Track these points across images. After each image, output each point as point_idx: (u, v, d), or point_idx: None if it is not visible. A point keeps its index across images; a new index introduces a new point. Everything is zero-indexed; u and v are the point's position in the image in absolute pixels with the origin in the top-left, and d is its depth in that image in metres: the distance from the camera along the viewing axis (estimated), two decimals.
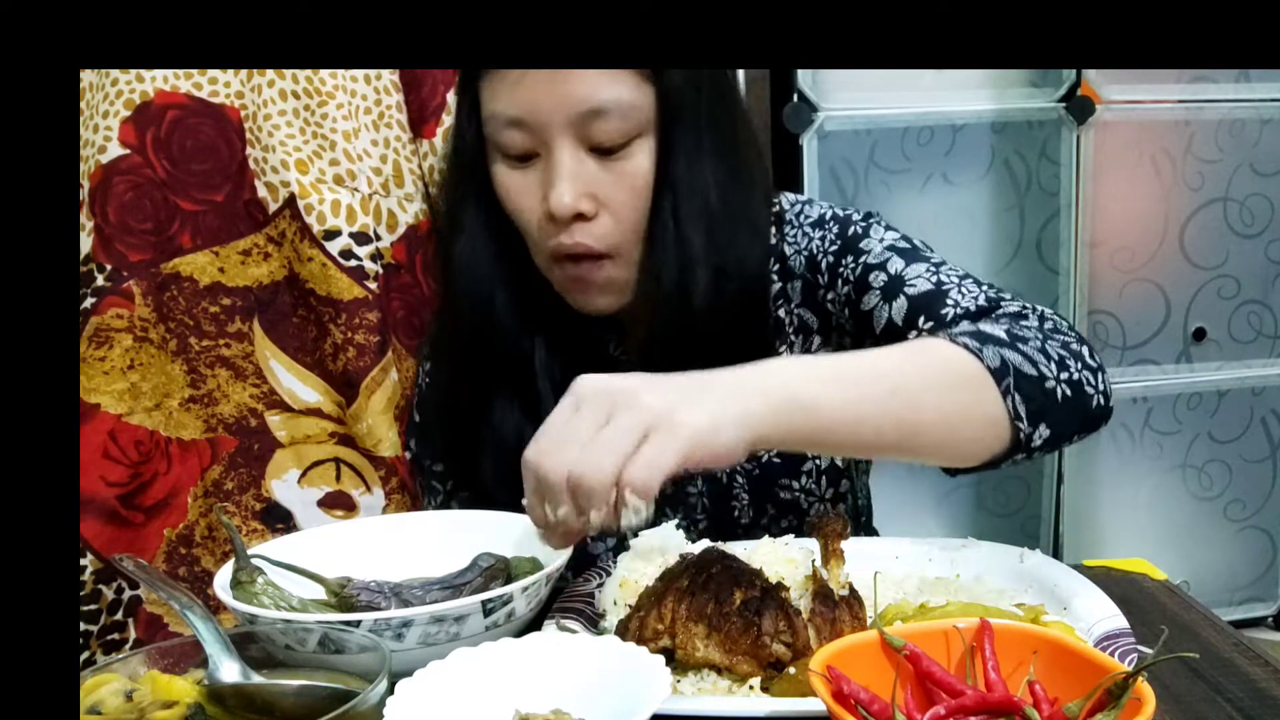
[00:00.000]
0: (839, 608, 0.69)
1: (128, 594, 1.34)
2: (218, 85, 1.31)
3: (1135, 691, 0.52)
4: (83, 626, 1.30)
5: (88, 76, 1.29)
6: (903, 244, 0.94)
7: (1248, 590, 1.90)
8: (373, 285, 1.34)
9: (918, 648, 0.58)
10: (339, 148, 1.32)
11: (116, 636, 1.33)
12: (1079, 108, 1.67)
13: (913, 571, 0.84)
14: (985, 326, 0.80)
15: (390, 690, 0.57)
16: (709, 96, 0.91)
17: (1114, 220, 1.72)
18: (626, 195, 0.89)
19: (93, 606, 1.31)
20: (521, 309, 0.97)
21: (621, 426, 0.62)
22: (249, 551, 0.77)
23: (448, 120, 1.39)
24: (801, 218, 0.99)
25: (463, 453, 1.03)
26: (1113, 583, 0.83)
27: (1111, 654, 0.66)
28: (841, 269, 0.95)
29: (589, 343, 1.00)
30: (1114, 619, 0.72)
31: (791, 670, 0.67)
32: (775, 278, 0.99)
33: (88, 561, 1.29)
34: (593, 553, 1.04)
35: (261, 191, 1.32)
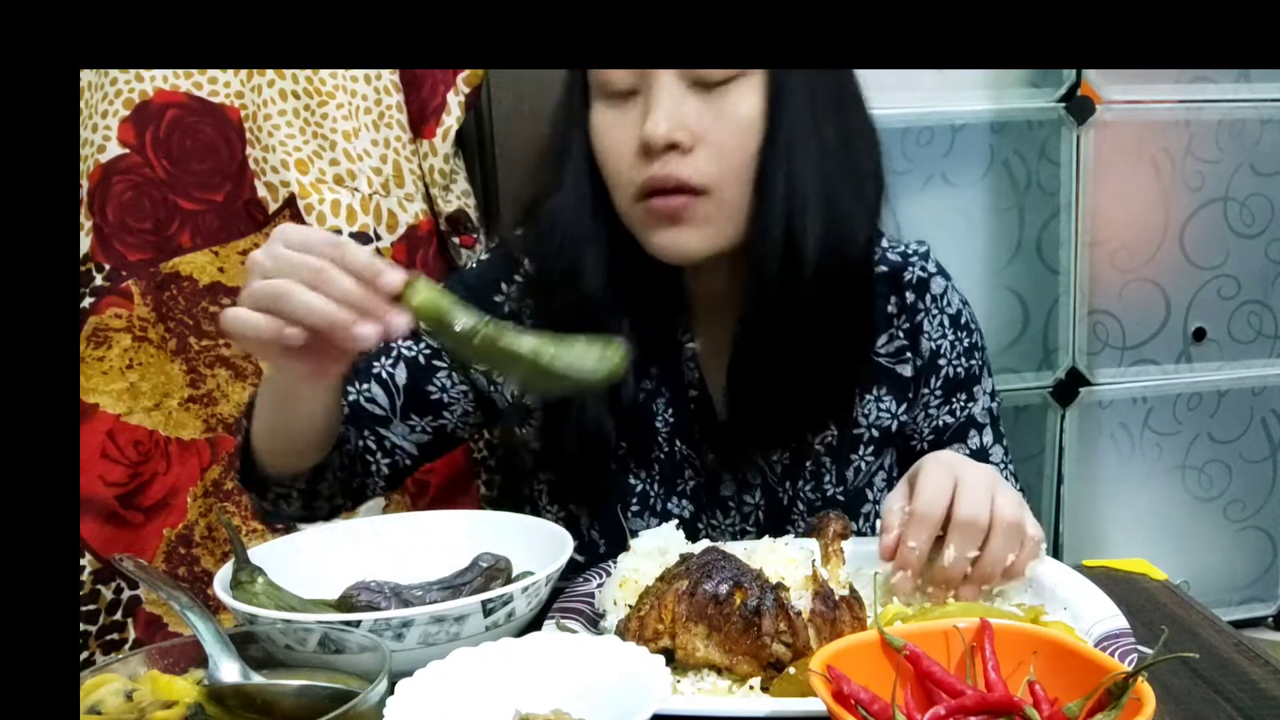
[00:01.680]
0: (839, 608, 0.69)
1: (127, 594, 1.34)
2: (218, 85, 1.31)
3: (1135, 691, 0.52)
4: (82, 626, 1.30)
5: (87, 76, 1.29)
6: (994, 408, 1.04)
7: (1248, 590, 1.90)
8: None
9: (918, 648, 0.58)
10: (339, 148, 1.32)
11: (116, 636, 1.33)
12: (1079, 108, 1.67)
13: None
14: None
15: (390, 690, 0.57)
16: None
17: (1114, 220, 1.72)
18: (726, 132, 0.87)
19: (92, 606, 1.31)
20: (609, 277, 0.94)
21: (1013, 496, 0.79)
22: (248, 552, 0.77)
23: (448, 120, 1.39)
24: (943, 301, 1.01)
25: (546, 419, 1.00)
26: (1113, 583, 0.83)
27: (1111, 654, 0.66)
28: (955, 400, 1.02)
29: (659, 327, 0.98)
30: (1114, 619, 0.72)
31: (791, 670, 0.67)
32: (902, 335, 1.00)
33: (87, 561, 1.29)
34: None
35: (261, 191, 1.32)
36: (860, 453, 1.01)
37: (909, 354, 1.00)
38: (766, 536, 0.81)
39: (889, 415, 1.01)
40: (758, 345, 0.94)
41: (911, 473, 0.81)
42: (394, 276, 0.70)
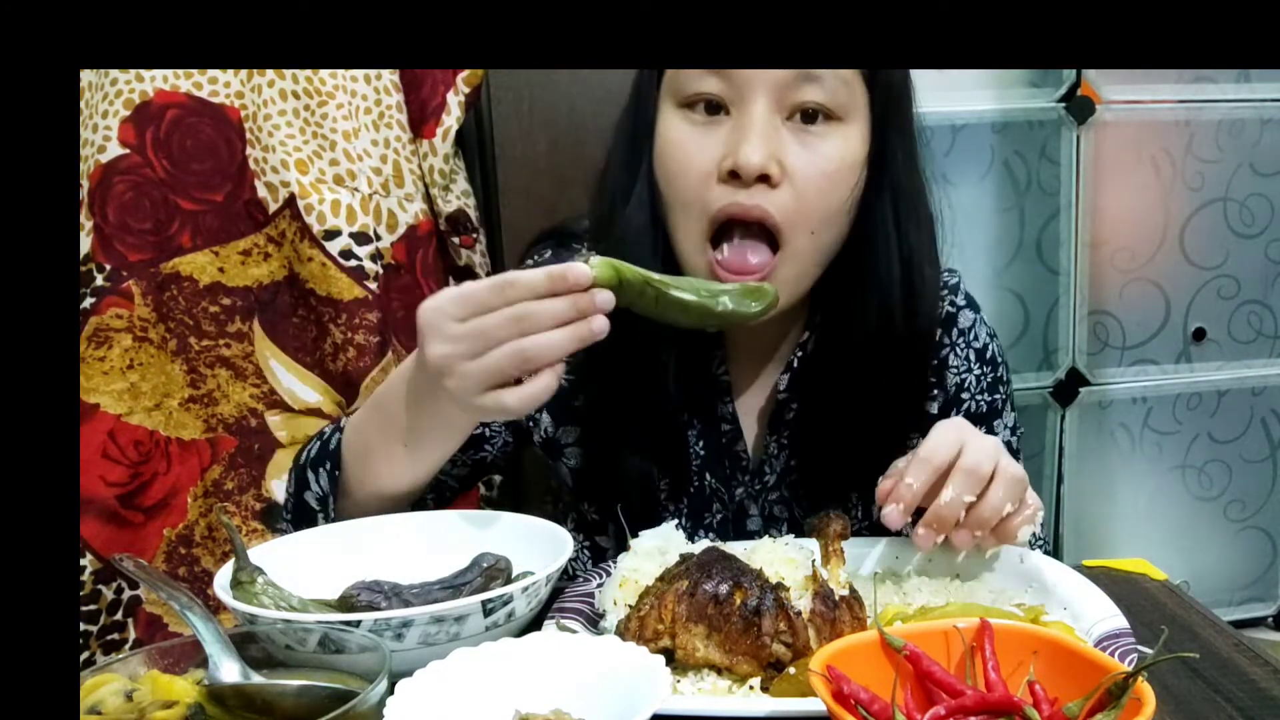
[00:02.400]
0: (839, 608, 0.69)
1: (127, 594, 1.34)
2: (218, 85, 1.31)
3: (1135, 691, 0.52)
4: (82, 626, 1.30)
5: (87, 76, 1.29)
6: (1015, 441, 1.02)
7: (1248, 590, 1.90)
8: (373, 285, 1.34)
9: (918, 648, 0.58)
10: (339, 148, 1.32)
11: (116, 636, 1.33)
12: (1079, 108, 1.67)
13: (913, 571, 0.84)
14: None
15: (390, 690, 0.57)
16: (912, 105, 0.92)
17: (1114, 220, 1.72)
18: (815, 173, 0.85)
19: (92, 607, 1.31)
20: (691, 344, 0.94)
21: (1017, 466, 0.81)
22: (248, 552, 0.77)
23: (448, 120, 1.39)
24: (971, 335, 1.01)
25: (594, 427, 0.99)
26: (1113, 583, 0.83)
27: (1111, 654, 0.66)
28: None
29: (696, 358, 0.97)
30: (1114, 619, 0.72)
31: (791, 670, 0.67)
32: (929, 372, 0.99)
33: (87, 562, 1.29)
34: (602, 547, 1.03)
35: (261, 191, 1.32)
36: None
37: (935, 390, 0.99)
38: (766, 537, 0.81)
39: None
40: (817, 401, 0.95)
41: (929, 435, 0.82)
42: (580, 270, 0.74)
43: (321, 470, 0.90)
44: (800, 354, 0.96)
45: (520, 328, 0.73)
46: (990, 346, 1.01)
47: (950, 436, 0.79)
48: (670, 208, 0.89)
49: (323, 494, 0.91)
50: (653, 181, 0.90)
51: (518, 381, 0.76)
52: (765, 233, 0.86)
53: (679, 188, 0.87)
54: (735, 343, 0.98)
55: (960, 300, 1.01)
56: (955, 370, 0.99)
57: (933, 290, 0.93)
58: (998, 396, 1.01)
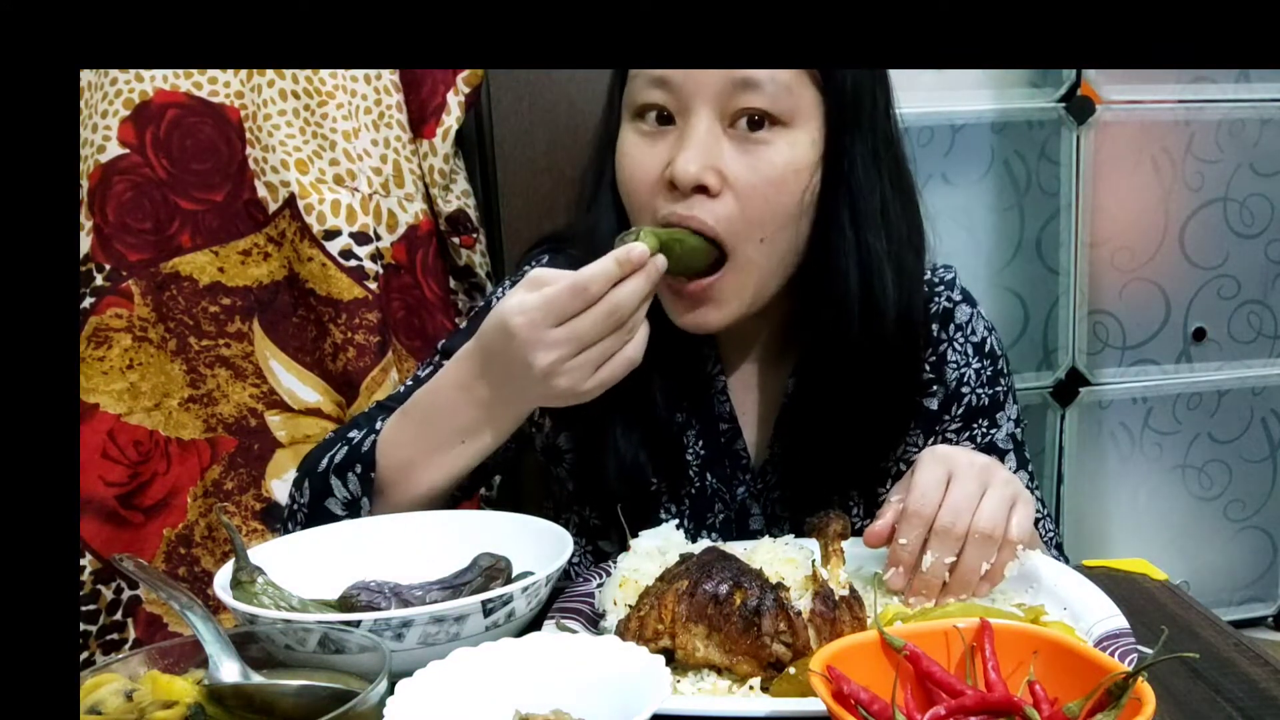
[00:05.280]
0: (839, 608, 0.69)
1: (127, 594, 1.34)
2: (218, 85, 1.31)
3: (1135, 691, 0.52)
4: (82, 626, 1.30)
5: (87, 76, 1.29)
6: (1018, 434, 1.03)
7: (1248, 590, 1.90)
8: (373, 285, 1.34)
9: (918, 648, 0.58)
10: (339, 148, 1.32)
11: (116, 636, 1.33)
12: (1079, 108, 1.67)
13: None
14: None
15: (390, 690, 0.57)
16: (881, 105, 0.91)
17: (1114, 220, 1.72)
18: (758, 181, 0.85)
19: (92, 606, 1.31)
20: (682, 346, 0.95)
21: (1000, 496, 0.78)
22: (248, 552, 0.77)
23: (448, 120, 1.39)
24: (968, 329, 1.01)
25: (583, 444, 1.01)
26: (1113, 583, 0.83)
27: (1111, 654, 0.66)
28: (976, 427, 1.01)
29: (690, 360, 0.98)
30: (1114, 619, 0.72)
31: (791, 670, 0.67)
32: (928, 368, 1.00)
33: (87, 561, 1.29)
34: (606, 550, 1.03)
35: (261, 191, 1.32)
36: (888, 486, 1.00)
37: (935, 386, 0.99)
38: (766, 537, 0.81)
39: (916, 449, 1.00)
40: (815, 402, 0.95)
41: (912, 467, 0.81)
42: (640, 249, 0.78)
43: (351, 474, 0.90)
44: (799, 352, 0.97)
45: (614, 319, 0.78)
46: (989, 340, 1.02)
47: (936, 480, 0.78)
48: (629, 214, 0.91)
49: (352, 498, 0.91)
50: (615, 189, 0.92)
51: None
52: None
53: (630, 195, 0.90)
54: (725, 342, 0.99)
55: (956, 295, 1.01)
56: (954, 365, 0.99)
57: (906, 288, 0.92)
58: (999, 390, 1.01)
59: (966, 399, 1.00)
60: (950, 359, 0.99)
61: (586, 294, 0.77)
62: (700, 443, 0.99)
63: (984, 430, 1.00)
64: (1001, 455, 1.00)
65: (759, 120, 0.85)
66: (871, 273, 0.90)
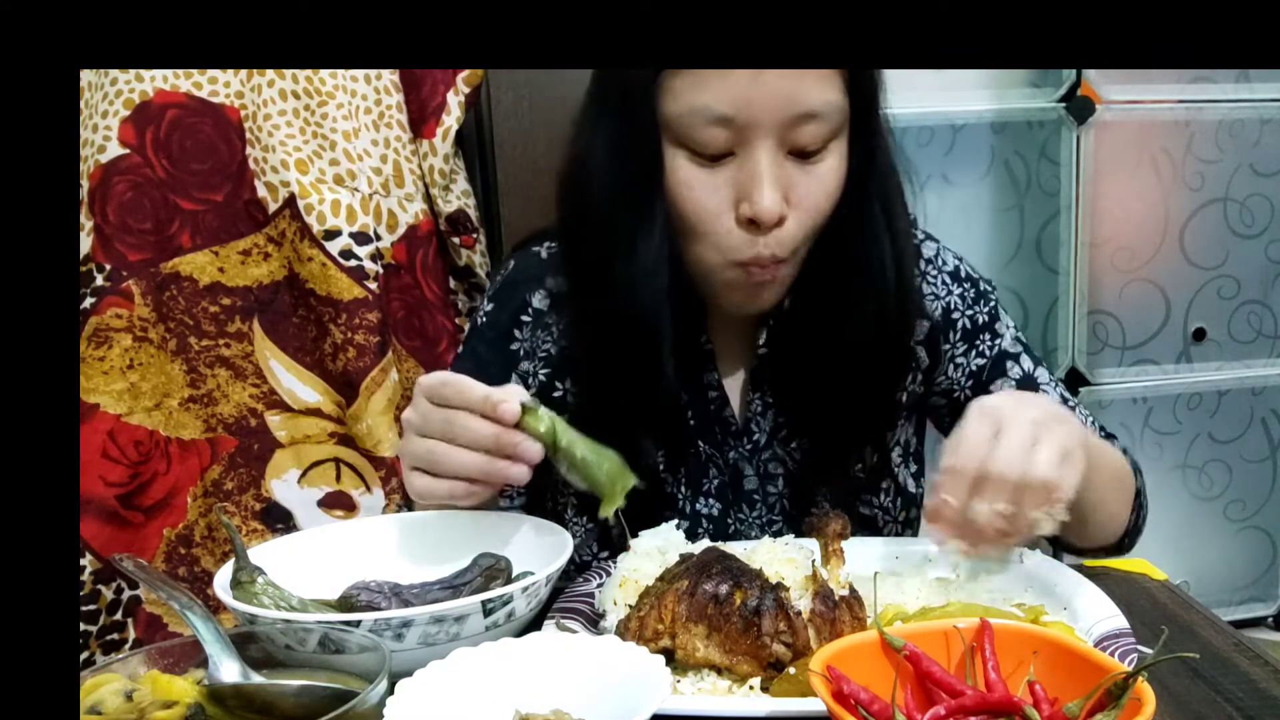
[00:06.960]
0: (839, 608, 0.69)
1: (127, 594, 1.34)
2: (218, 85, 1.31)
3: (1135, 691, 0.52)
4: (82, 626, 1.30)
5: (87, 76, 1.29)
6: (1022, 337, 1.04)
7: (1248, 590, 1.90)
8: (373, 285, 1.34)
9: (918, 648, 0.58)
10: (339, 148, 1.32)
11: (116, 636, 1.33)
12: (1079, 108, 1.67)
13: (913, 571, 0.84)
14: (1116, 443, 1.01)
15: (390, 690, 0.57)
16: (879, 95, 0.93)
17: (1114, 220, 1.72)
18: (818, 198, 0.87)
19: (92, 606, 1.31)
20: (679, 321, 0.95)
21: (1054, 447, 0.74)
22: (248, 552, 0.77)
23: (448, 120, 1.39)
24: (939, 261, 1.03)
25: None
26: (1113, 583, 0.83)
27: (1111, 654, 0.66)
28: (978, 342, 1.01)
29: (680, 333, 0.97)
30: (1114, 619, 0.72)
31: (791, 670, 0.67)
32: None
33: (87, 561, 1.29)
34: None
35: (261, 191, 1.32)
36: (895, 431, 1.03)
37: (921, 320, 1.00)
38: (766, 536, 0.81)
39: (906, 393, 1.01)
40: (789, 346, 0.97)
41: (960, 423, 0.79)
42: (508, 408, 0.78)
43: None
44: (777, 313, 0.97)
45: (443, 431, 0.79)
46: (961, 267, 1.04)
47: (982, 433, 0.75)
48: (686, 238, 0.90)
49: None
50: (666, 215, 0.90)
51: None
52: None
53: (698, 226, 0.89)
54: (715, 312, 0.99)
55: (919, 235, 1.03)
56: (934, 296, 1.01)
57: (900, 248, 0.95)
58: (989, 306, 1.03)
59: (959, 322, 1.01)
60: (927, 292, 1.01)
61: (440, 392, 0.79)
62: (690, 412, 1.00)
63: (989, 341, 1.02)
64: (1015, 357, 1.02)
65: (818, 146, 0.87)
66: (904, 259, 0.94)
